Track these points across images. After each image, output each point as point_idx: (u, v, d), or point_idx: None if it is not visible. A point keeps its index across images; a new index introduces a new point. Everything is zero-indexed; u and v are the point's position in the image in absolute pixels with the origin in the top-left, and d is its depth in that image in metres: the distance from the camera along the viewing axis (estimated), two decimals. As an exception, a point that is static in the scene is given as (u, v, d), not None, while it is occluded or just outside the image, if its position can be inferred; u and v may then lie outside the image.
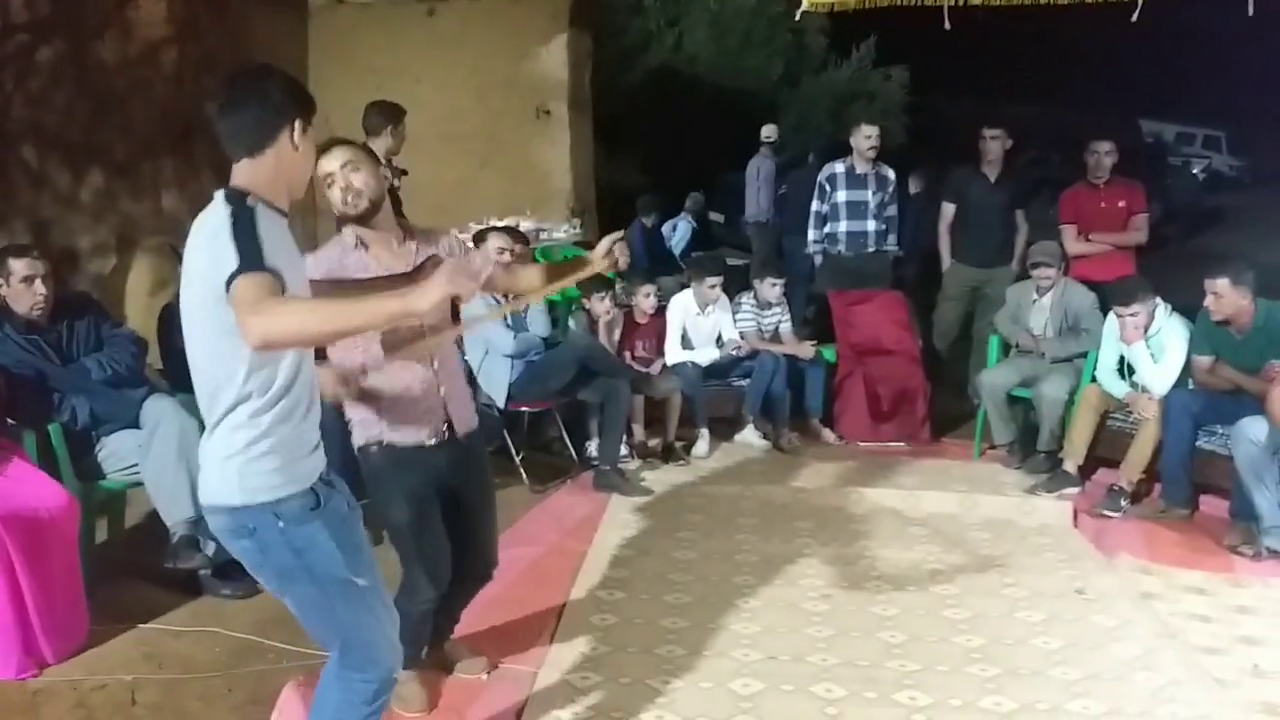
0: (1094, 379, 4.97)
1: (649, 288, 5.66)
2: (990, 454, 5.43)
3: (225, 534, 2.08)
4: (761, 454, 5.51)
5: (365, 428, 2.73)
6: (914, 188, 8.22)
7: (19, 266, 3.60)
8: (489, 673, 3.12)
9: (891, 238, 6.35)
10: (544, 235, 6.12)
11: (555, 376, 4.86)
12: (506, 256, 4.48)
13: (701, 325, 5.62)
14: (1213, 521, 4.48)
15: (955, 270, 6.16)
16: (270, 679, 3.04)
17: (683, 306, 5.59)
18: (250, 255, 1.83)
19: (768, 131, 9.31)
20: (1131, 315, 4.67)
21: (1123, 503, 4.61)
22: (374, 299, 1.92)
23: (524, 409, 4.99)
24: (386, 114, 4.85)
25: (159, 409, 3.62)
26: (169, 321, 4.12)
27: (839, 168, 6.23)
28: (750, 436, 5.61)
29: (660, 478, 5.04)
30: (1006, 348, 5.50)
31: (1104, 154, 5.65)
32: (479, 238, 4.62)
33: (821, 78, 16.83)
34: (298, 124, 2.04)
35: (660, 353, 5.54)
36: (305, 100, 2.09)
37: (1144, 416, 4.66)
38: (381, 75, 6.67)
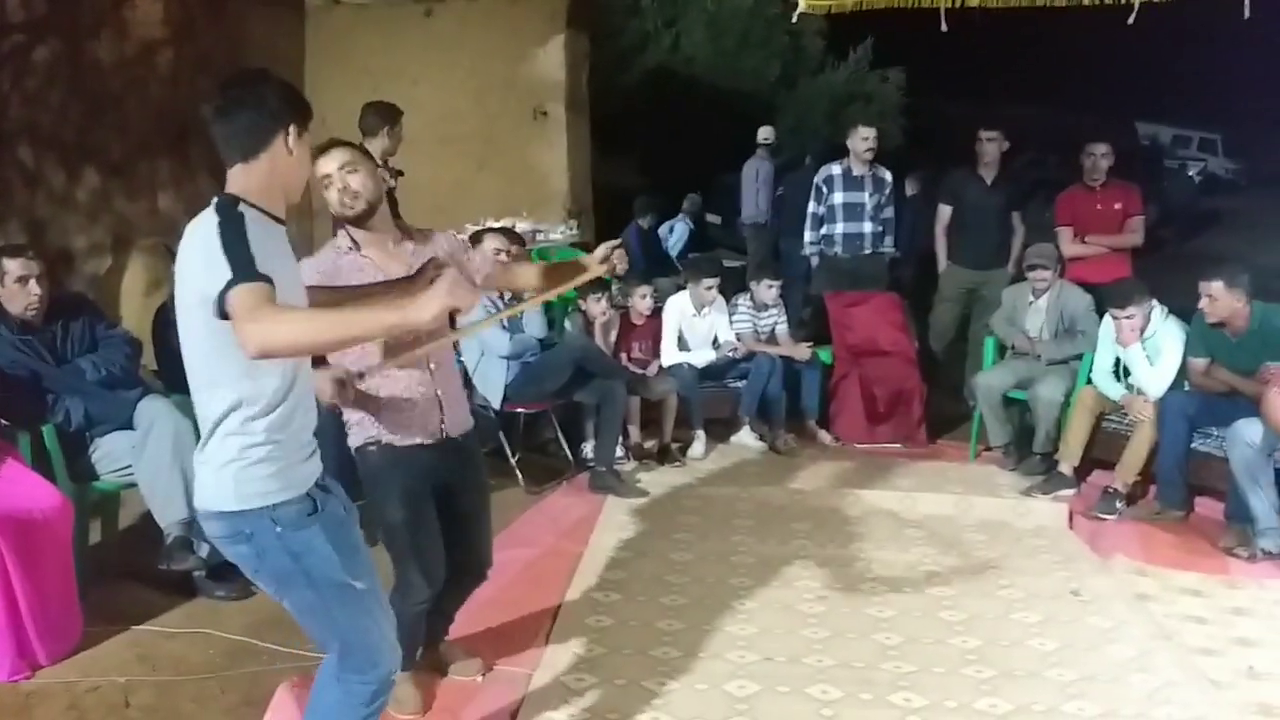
0: (1089, 381, 4.98)
1: (645, 289, 5.66)
2: (986, 456, 5.44)
3: (222, 540, 2.08)
4: (757, 455, 5.51)
5: (363, 429, 2.74)
6: (911, 189, 8.23)
7: (13, 267, 3.59)
8: (484, 675, 3.11)
9: (888, 240, 6.35)
10: (541, 236, 6.12)
11: (551, 378, 4.86)
12: (503, 257, 4.47)
13: (698, 327, 5.62)
14: (1208, 523, 4.48)
15: (951, 272, 6.16)
16: (264, 680, 3.03)
17: (679, 308, 5.59)
18: (242, 264, 1.82)
19: (764, 133, 9.31)
20: (1128, 318, 4.67)
21: (1118, 504, 4.62)
22: (372, 310, 1.92)
23: (520, 410, 4.98)
24: (383, 115, 4.84)
25: (153, 410, 3.61)
26: (164, 322, 4.11)
27: (836, 170, 6.23)
28: (746, 438, 5.61)
29: (656, 479, 5.04)
30: (1002, 349, 5.50)
31: (1100, 156, 5.66)
32: (475, 239, 4.62)
33: (818, 79, 16.84)
34: (293, 129, 2.04)
35: (656, 354, 5.54)
36: (301, 105, 2.09)
37: (1139, 418, 4.66)
38: (378, 76, 6.67)
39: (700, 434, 5.46)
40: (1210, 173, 20.59)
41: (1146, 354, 4.72)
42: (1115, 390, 4.83)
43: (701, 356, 5.55)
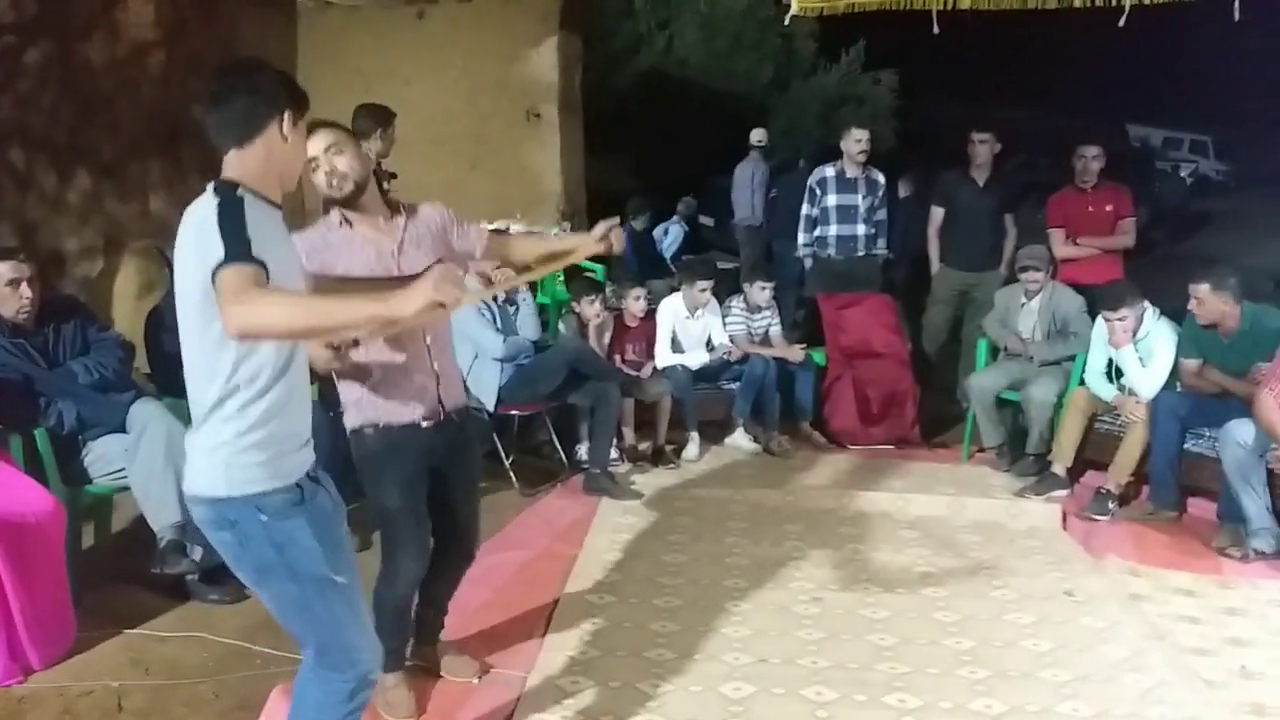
0: (1082, 382, 4.99)
1: (639, 291, 5.66)
2: (979, 457, 5.45)
3: (206, 525, 2.07)
4: (751, 457, 5.51)
5: (359, 409, 2.73)
6: (903, 192, 8.24)
7: (4, 269, 3.56)
8: (480, 676, 3.10)
9: (881, 242, 6.36)
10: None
11: (545, 380, 4.85)
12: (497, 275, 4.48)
13: (691, 328, 5.62)
14: (1201, 524, 4.50)
15: (944, 274, 6.18)
16: (257, 684, 3.02)
17: (672, 310, 5.59)
18: (236, 246, 1.83)
19: (757, 135, 9.32)
20: (1120, 319, 4.68)
21: (1111, 505, 4.63)
22: (358, 299, 1.91)
23: (514, 412, 4.98)
24: (376, 117, 4.83)
25: (146, 413, 3.60)
26: (156, 325, 4.10)
27: (829, 172, 6.24)
28: (740, 440, 5.61)
29: (650, 481, 5.04)
30: (995, 351, 5.52)
31: (1091, 158, 5.67)
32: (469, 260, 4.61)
33: (811, 82, 16.87)
34: (287, 115, 2.04)
35: (650, 356, 5.54)
36: (296, 93, 2.09)
37: (1132, 419, 4.68)
38: (371, 78, 6.67)
39: (694, 436, 5.46)
40: (1201, 174, 20.70)
41: (1139, 355, 4.74)
42: (1108, 391, 4.85)
43: (695, 358, 5.55)
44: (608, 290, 5.75)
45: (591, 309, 5.26)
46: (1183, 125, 21.83)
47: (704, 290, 5.57)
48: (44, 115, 5.39)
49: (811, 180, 6.32)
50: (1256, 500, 4.12)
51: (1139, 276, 5.36)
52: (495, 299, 4.86)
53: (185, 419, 2.15)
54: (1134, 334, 4.72)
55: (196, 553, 3.42)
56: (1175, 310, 4.70)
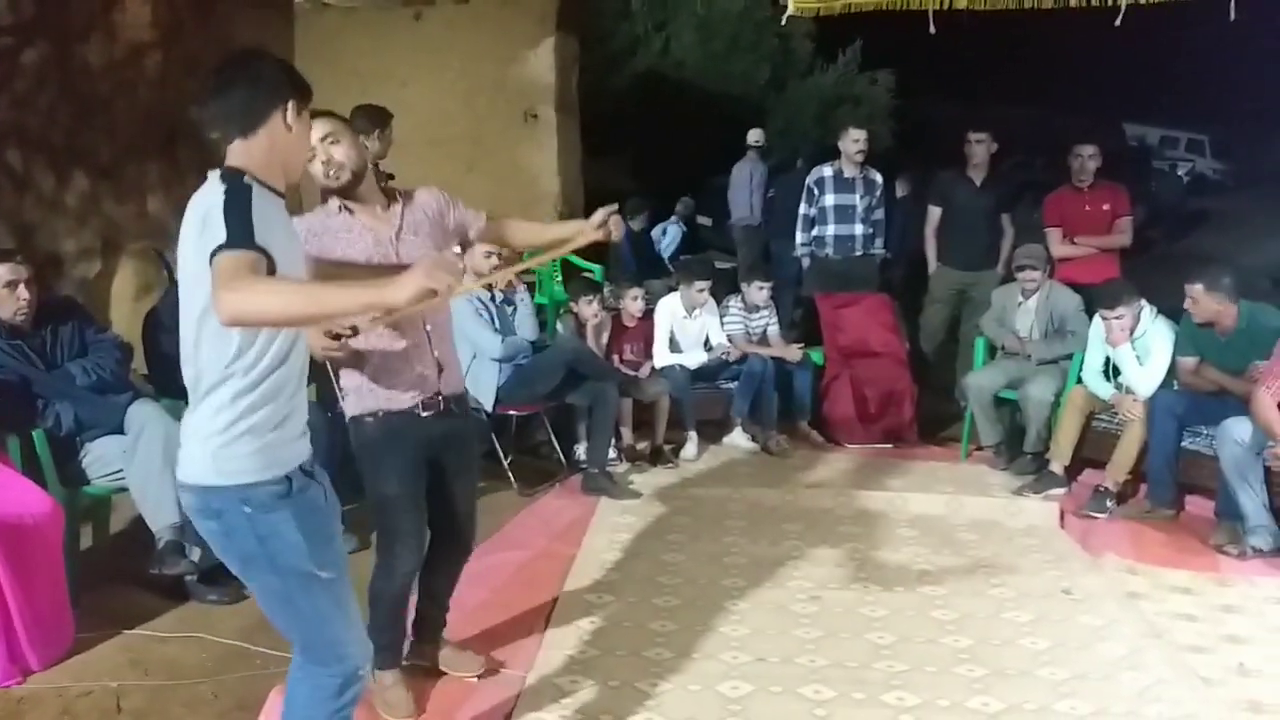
0: (1080, 381, 5.00)
1: (636, 291, 5.67)
2: (977, 455, 5.45)
3: (193, 512, 2.08)
4: (749, 456, 5.52)
5: (359, 397, 2.73)
6: (901, 191, 8.25)
7: (2, 271, 3.57)
8: (483, 670, 3.10)
9: (879, 241, 6.37)
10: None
11: (543, 380, 4.86)
12: (494, 260, 4.49)
13: (689, 328, 5.63)
14: (1198, 521, 4.50)
15: (941, 273, 6.18)
16: (256, 685, 3.02)
17: (669, 309, 5.60)
18: (238, 232, 1.83)
19: (754, 136, 9.33)
20: (1117, 318, 4.69)
21: (1109, 503, 4.64)
22: (349, 287, 1.91)
23: (512, 412, 4.98)
24: (373, 118, 4.83)
25: (143, 414, 3.60)
26: (154, 326, 4.10)
27: (827, 171, 6.25)
28: (738, 439, 5.62)
29: (648, 481, 5.04)
30: (993, 350, 5.52)
31: (1088, 157, 5.68)
32: (464, 244, 4.61)
33: (808, 82, 16.87)
34: (291, 104, 2.04)
35: (648, 356, 5.55)
36: (299, 83, 2.09)
37: (1129, 418, 4.68)
38: (367, 79, 6.67)
39: (692, 435, 5.46)
40: (1198, 173, 20.71)
41: (1136, 354, 4.75)
42: (1105, 390, 4.86)
43: (693, 358, 5.56)
44: (605, 290, 5.76)
45: (589, 309, 5.27)
46: (1179, 124, 21.86)
47: (702, 290, 5.58)
48: (41, 116, 5.39)
49: (809, 180, 6.32)
50: (1254, 498, 4.12)
51: (1136, 275, 5.37)
52: (493, 298, 4.86)
53: (182, 418, 2.15)
54: (1131, 332, 4.73)
55: (195, 553, 3.43)
56: (1172, 309, 4.71)
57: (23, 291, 3.59)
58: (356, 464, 2.78)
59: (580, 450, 5.16)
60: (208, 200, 1.92)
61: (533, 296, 5.55)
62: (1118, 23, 4.19)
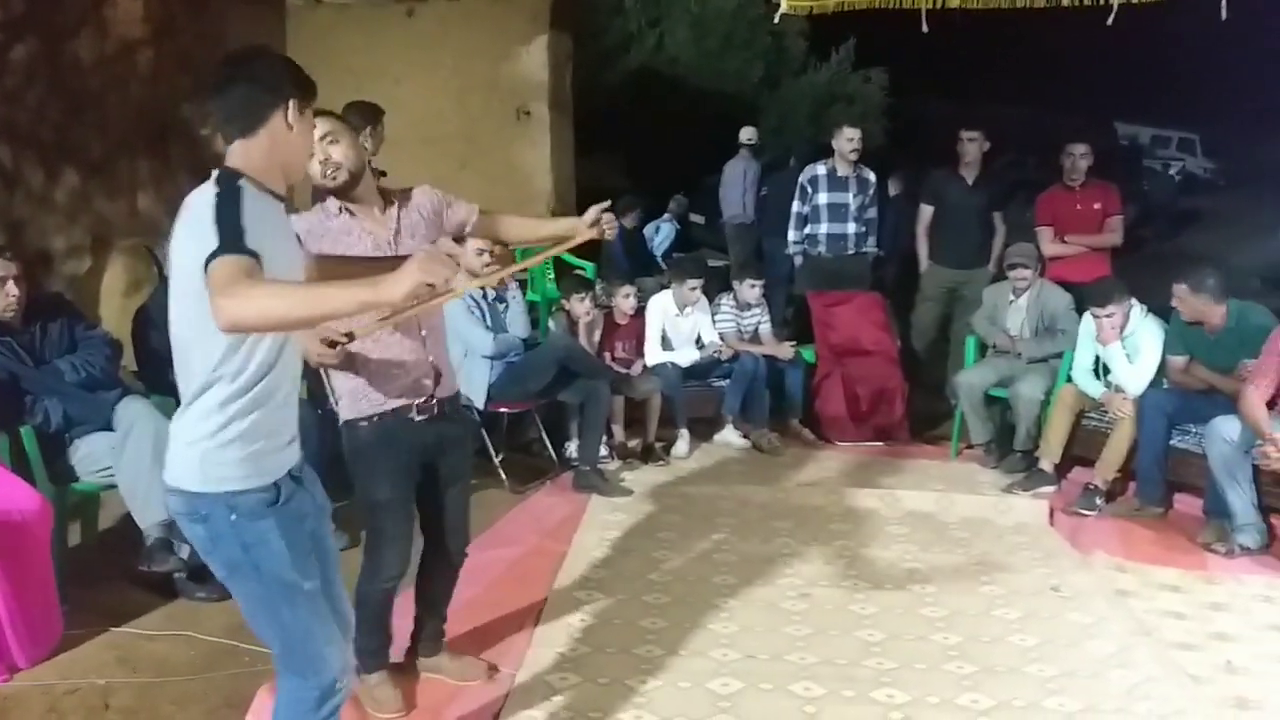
0: (1070, 379, 5.01)
1: (629, 289, 5.66)
2: (967, 453, 5.47)
3: (180, 516, 2.06)
4: (741, 454, 5.52)
5: (354, 401, 2.73)
6: (894, 190, 8.26)
7: (-9, 268, 3.56)
8: (490, 677, 3.09)
9: (871, 240, 6.39)
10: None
11: (535, 377, 4.85)
12: (485, 257, 4.48)
13: (681, 326, 5.63)
14: (1187, 519, 4.52)
15: (933, 271, 6.19)
16: (245, 682, 3.01)
17: (661, 307, 5.60)
18: (230, 237, 1.81)
19: (747, 134, 9.33)
20: (1108, 316, 4.71)
21: (1098, 501, 4.65)
22: (346, 286, 1.90)
23: (503, 410, 4.98)
24: (365, 115, 4.81)
25: (133, 411, 3.59)
26: (144, 323, 4.09)
27: (821, 170, 6.25)
28: (730, 437, 5.62)
29: (640, 478, 5.04)
30: (983, 348, 5.54)
31: (1079, 156, 5.69)
32: (459, 238, 4.61)
33: (801, 80, 16.87)
34: (292, 103, 2.02)
35: (640, 354, 5.55)
36: (302, 81, 2.07)
37: (1119, 416, 4.70)
38: (360, 76, 6.64)
39: (684, 433, 5.47)
40: (1189, 172, 20.75)
41: (1126, 352, 4.76)
42: (1095, 388, 4.87)
43: (685, 356, 5.56)
44: (598, 288, 5.76)
45: (581, 306, 5.27)
46: (1171, 123, 21.92)
47: (694, 288, 5.58)
48: (31, 112, 5.37)
49: (803, 178, 6.33)
50: (1242, 496, 4.14)
51: (1127, 274, 5.39)
52: (485, 296, 4.85)
53: (172, 417, 2.14)
54: (1121, 331, 4.74)
55: (183, 550, 3.42)
56: (1162, 308, 4.72)
57: (12, 288, 3.58)
58: (348, 466, 2.78)
59: (571, 448, 5.16)
60: (200, 202, 1.90)
61: (524, 294, 5.54)
62: (1110, 21, 4.20)
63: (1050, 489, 4.85)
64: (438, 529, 2.92)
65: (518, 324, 4.99)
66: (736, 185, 9.14)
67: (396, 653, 3.04)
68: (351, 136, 2.68)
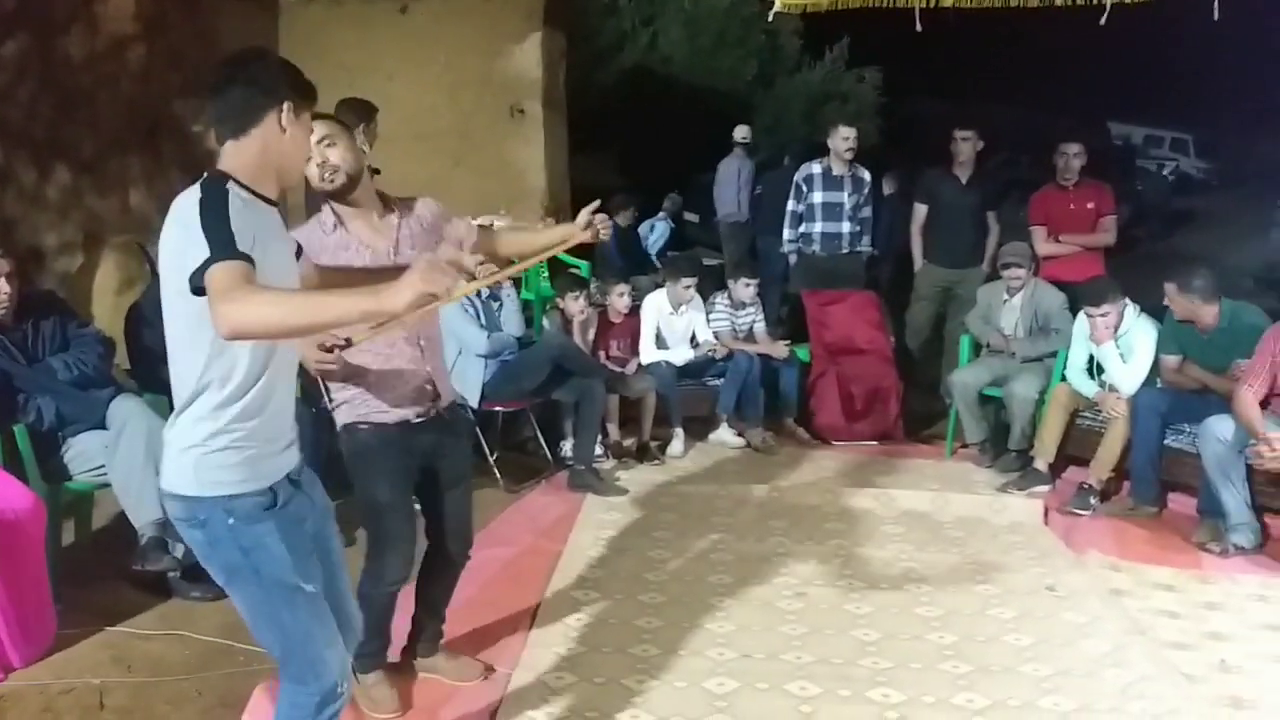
0: (1064, 378, 5.02)
1: (623, 287, 5.66)
2: (962, 453, 5.48)
3: (178, 521, 2.05)
4: (736, 453, 5.52)
5: (353, 407, 2.72)
6: (888, 189, 8.27)
7: (-18, 265, 3.54)
8: (485, 677, 3.09)
9: (865, 239, 6.39)
10: (518, 234, 6.10)
11: (529, 376, 4.84)
12: (480, 255, 4.46)
13: (675, 325, 5.63)
14: (1181, 519, 4.53)
15: (927, 271, 6.20)
16: (240, 682, 3.00)
17: (656, 306, 5.60)
18: (221, 242, 1.79)
19: (741, 132, 9.33)
20: (1102, 315, 4.72)
21: (1092, 500, 4.66)
22: (348, 295, 1.89)
23: (498, 409, 4.97)
24: (358, 112, 4.80)
25: (126, 409, 3.57)
26: (136, 320, 4.07)
27: (816, 169, 6.26)
28: (725, 436, 5.62)
29: (635, 477, 5.04)
30: (978, 347, 5.54)
31: (1072, 156, 5.70)
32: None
33: (795, 79, 16.88)
34: (287, 106, 1.99)
35: (635, 352, 5.54)
36: (299, 84, 2.05)
37: (1113, 415, 4.71)
38: (353, 72, 6.62)
39: (679, 432, 5.46)
40: (1182, 172, 20.83)
41: (1120, 351, 4.77)
42: (1089, 387, 4.88)
43: (680, 354, 5.56)
44: (592, 286, 5.75)
45: (576, 305, 5.26)
46: (1164, 123, 21.97)
47: (688, 286, 5.58)
48: (22, 109, 5.34)
49: (798, 176, 6.34)
50: (1236, 495, 4.15)
51: (1120, 274, 5.40)
52: (479, 294, 4.84)
53: (165, 415, 2.12)
54: (1115, 330, 4.75)
55: (178, 549, 3.40)
56: (1156, 307, 4.74)
57: (3, 285, 3.55)
58: (347, 468, 2.77)
59: (566, 447, 5.15)
60: (186, 206, 1.88)
61: (519, 292, 5.54)
62: (1103, 21, 4.21)
63: (1045, 488, 4.86)
64: (440, 531, 2.91)
65: (512, 322, 4.98)
66: (731, 184, 9.14)
67: (393, 653, 3.04)
68: (349, 139, 2.66)
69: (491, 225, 5.23)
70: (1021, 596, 3.75)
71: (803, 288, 6.29)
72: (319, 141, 2.57)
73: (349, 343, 2.32)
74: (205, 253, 1.78)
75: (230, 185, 1.91)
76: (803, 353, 5.90)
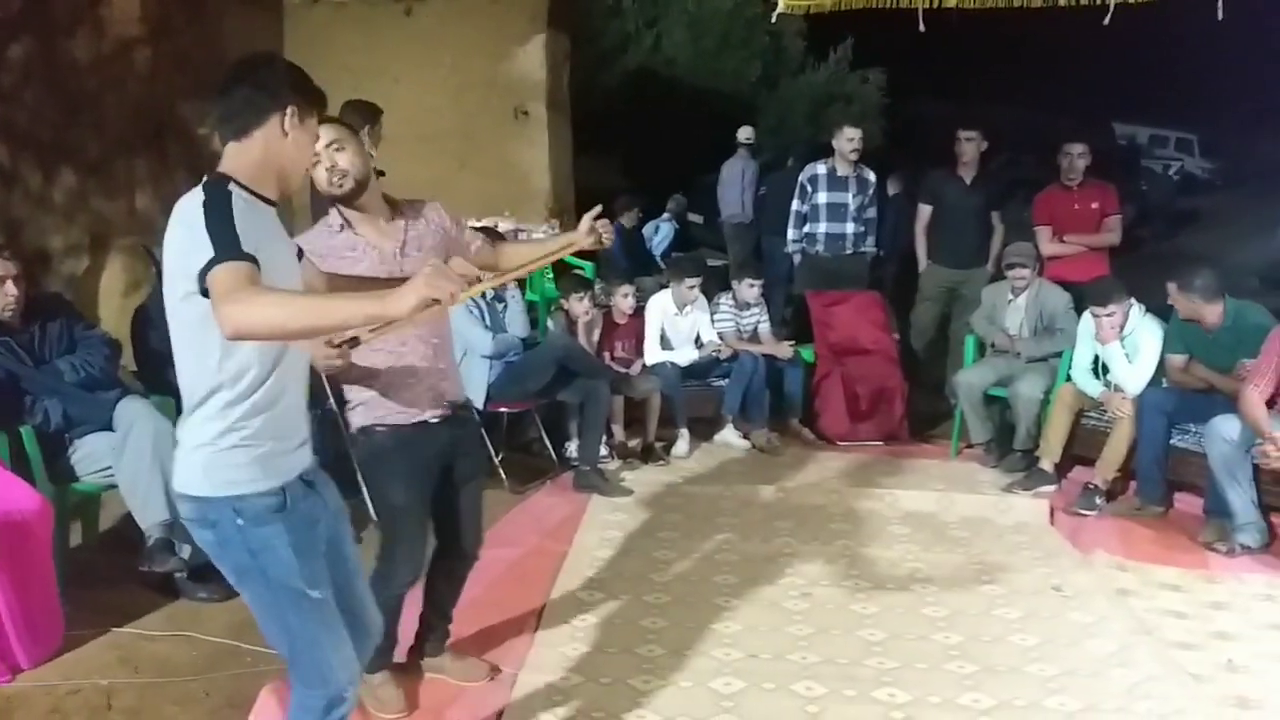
0: (1069, 378, 5.01)
1: (628, 288, 5.66)
2: (967, 453, 5.47)
3: (189, 521, 2.06)
4: (741, 454, 5.52)
5: (369, 409, 2.73)
6: (893, 189, 8.27)
7: (-10, 267, 3.55)
8: (491, 678, 3.09)
9: (870, 239, 6.39)
10: (523, 236, 6.11)
11: (534, 377, 4.85)
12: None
13: (680, 325, 5.63)
14: (1187, 518, 4.52)
15: (932, 271, 6.20)
16: (247, 683, 3.01)
17: (660, 307, 5.60)
18: (225, 243, 1.79)
19: (745, 133, 9.34)
20: (1108, 315, 4.71)
21: (1098, 500, 4.65)
22: (353, 298, 1.89)
23: (503, 410, 4.97)
24: (363, 114, 4.81)
25: (132, 411, 3.58)
26: (143, 322, 4.08)
27: (820, 169, 6.26)
28: (730, 436, 5.62)
29: (640, 478, 5.04)
30: (983, 348, 5.54)
31: (1077, 156, 5.70)
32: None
33: (799, 80, 16.89)
34: (291, 110, 2.00)
35: (639, 353, 5.55)
36: (307, 90, 2.05)
37: (1119, 415, 4.70)
38: (358, 75, 6.63)
39: (684, 432, 5.47)
40: (1187, 172, 20.78)
41: (1125, 351, 4.77)
42: (1094, 387, 4.87)
43: (684, 355, 5.56)
44: (597, 287, 5.75)
45: (580, 306, 5.26)
46: (1168, 123, 21.92)
47: (693, 287, 5.59)
48: (28, 112, 5.36)
49: (803, 177, 6.34)
50: (1242, 495, 4.14)
51: (1125, 274, 5.39)
52: (484, 296, 4.85)
53: (172, 416, 2.14)
54: (1121, 330, 4.75)
55: (185, 550, 3.41)
56: (1161, 307, 4.73)
57: (10, 288, 3.57)
58: (362, 471, 2.78)
59: (571, 448, 5.15)
60: (189, 208, 1.88)
61: (523, 293, 5.54)
62: (1106, 21, 4.20)
63: (1050, 488, 4.85)
64: (452, 529, 2.91)
65: (517, 324, 4.99)
66: (735, 185, 9.15)
67: (400, 653, 3.04)
68: (357, 144, 2.67)
69: (495, 226, 5.27)
70: (1027, 596, 3.74)
71: (807, 288, 6.29)
72: (327, 146, 2.58)
73: (356, 342, 2.33)
74: (209, 254, 1.79)
75: (232, 186, 1.92)
76: (807, 353, 5.90)
